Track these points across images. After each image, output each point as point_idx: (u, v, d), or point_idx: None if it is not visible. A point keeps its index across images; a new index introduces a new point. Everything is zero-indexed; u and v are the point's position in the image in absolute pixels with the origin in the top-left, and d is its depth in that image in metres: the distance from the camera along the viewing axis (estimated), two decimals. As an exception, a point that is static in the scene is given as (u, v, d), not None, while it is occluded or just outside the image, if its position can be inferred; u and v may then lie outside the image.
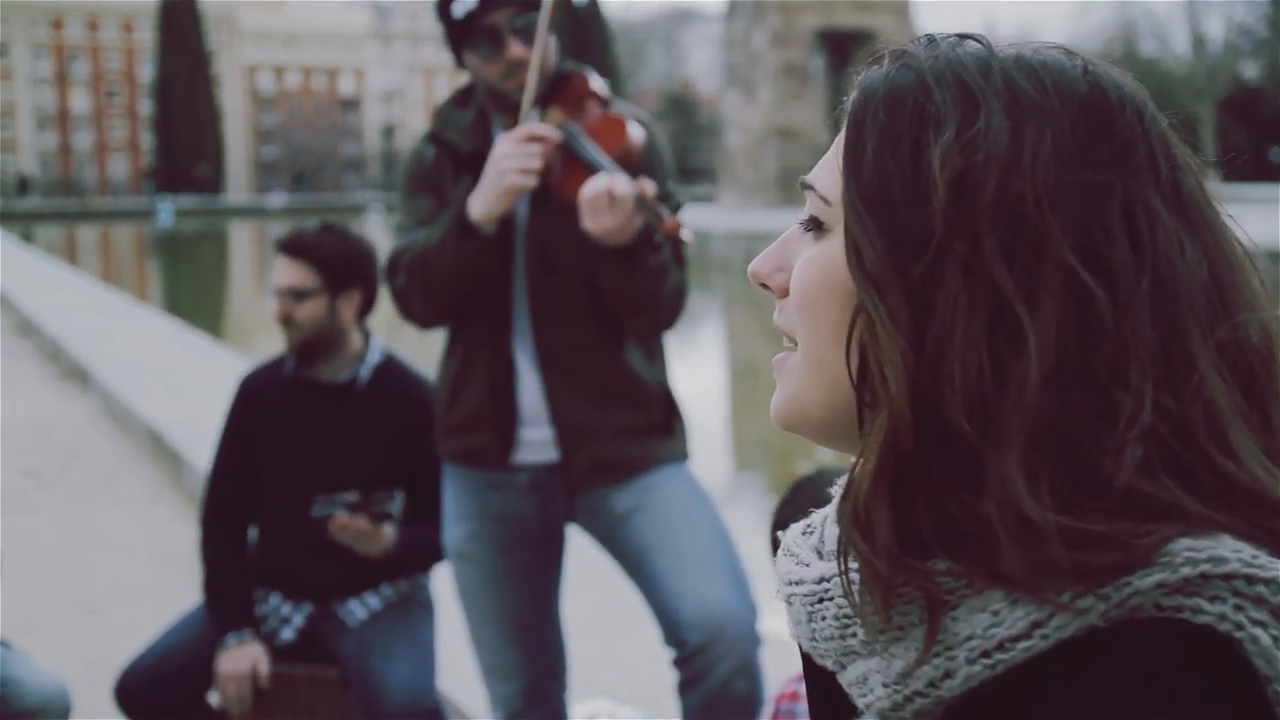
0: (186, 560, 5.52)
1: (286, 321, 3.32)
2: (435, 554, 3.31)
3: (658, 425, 2.85)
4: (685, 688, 2.73)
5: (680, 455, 2.90)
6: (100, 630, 5.12)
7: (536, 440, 2.82)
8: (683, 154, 72.77)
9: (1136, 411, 0.78)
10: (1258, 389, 0.82)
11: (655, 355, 2.89)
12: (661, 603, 2.76)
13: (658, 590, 2.76)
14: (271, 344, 3.41)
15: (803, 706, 2.36)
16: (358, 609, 3.37)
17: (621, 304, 2.73)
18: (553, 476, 2.84)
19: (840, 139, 0.89)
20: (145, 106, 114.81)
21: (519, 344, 2.81)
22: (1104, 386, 0.78)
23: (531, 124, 2.70)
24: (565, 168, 2.71)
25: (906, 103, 0.84)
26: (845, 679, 0.88)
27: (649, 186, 2.57)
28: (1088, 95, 0.83)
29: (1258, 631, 0.74)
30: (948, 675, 0.80)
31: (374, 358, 3.42)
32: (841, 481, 0.89)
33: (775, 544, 2.27)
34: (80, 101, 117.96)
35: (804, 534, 0.97)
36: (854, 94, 0.88)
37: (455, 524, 2.94)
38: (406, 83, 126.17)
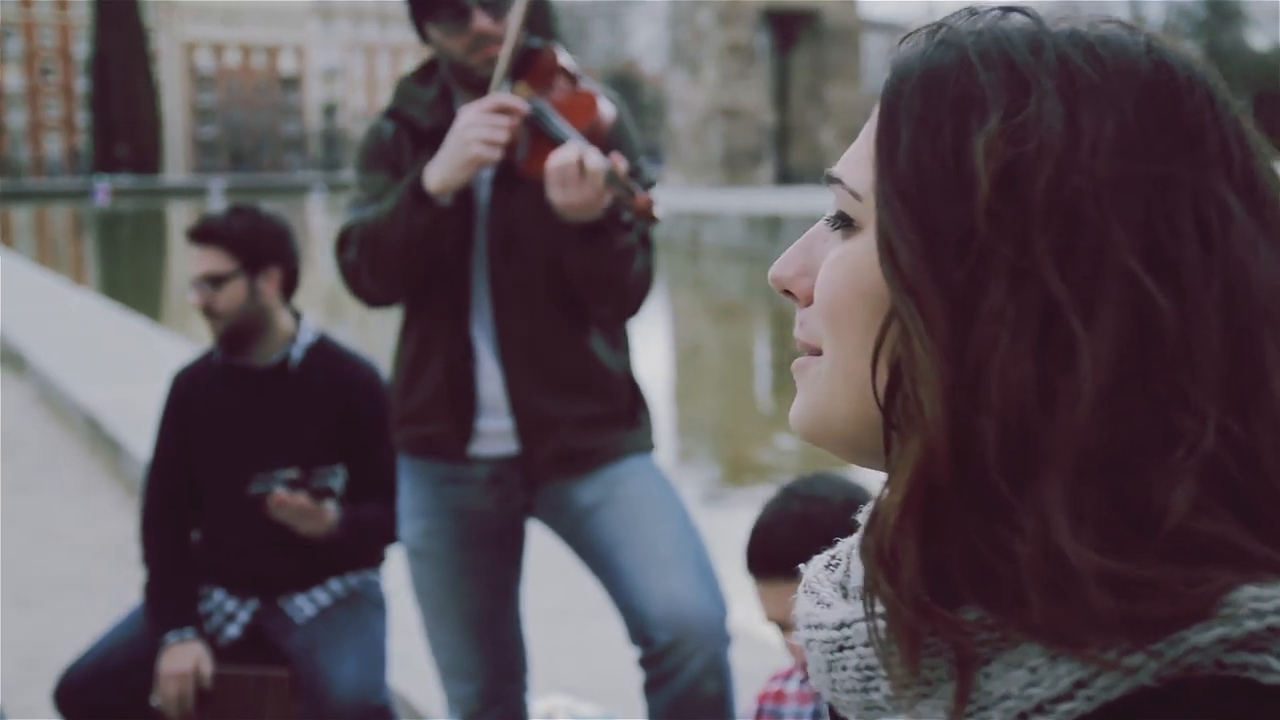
0: (125, 551, 5.41)
1: (208, 311, 3.26)
2: (383, 535, 3.24)
3: (622, 415, 2.77)
4: (652, 687, 2.64)
5: (645, 446, 2.82)
6: (36, 624, 5.01)
7: (496, 431, 2.72)
8: (626, 133, 72.30)
9: (1198, 436, 0.68)
10: None
11: (619, 343, 2.81)
12: (627, 600, 2.67)
13: (624, 587, 2.68)
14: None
15: (788, 708, 2.28)
16: (305, 605, 3.29)
17: (587, 287, 2.64)
18: (513, 469, 2.75)
19: (869, 126, 0.79)
20: (81, 84, 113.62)
21: (478, 329, 2.71)
22: (1163, 407, 0.69)
23: (499, 94, 2.60)
24: (532, 143, 2.62)
25: (946, 85, 0.74)
26: None
27: (620, 162, 2.49)
28: (1152, 76, 0.73)
29: None
30: None
31: (306, 338, 3.35)
32: (867, 510, 0.80)
33: (756, 562, 2.19)
34: (13, 79, 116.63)
35: (828, 567, 0.87)
36: (887, 76, 0.78)
37: (411, 519, 2.84)
38: (348, 61, 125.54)
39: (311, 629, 3.25)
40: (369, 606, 3.36)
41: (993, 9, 0.78)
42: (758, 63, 48.40)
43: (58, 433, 8.78)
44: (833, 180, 0.81)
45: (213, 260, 3.23)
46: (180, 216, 58.16)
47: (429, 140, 2.67)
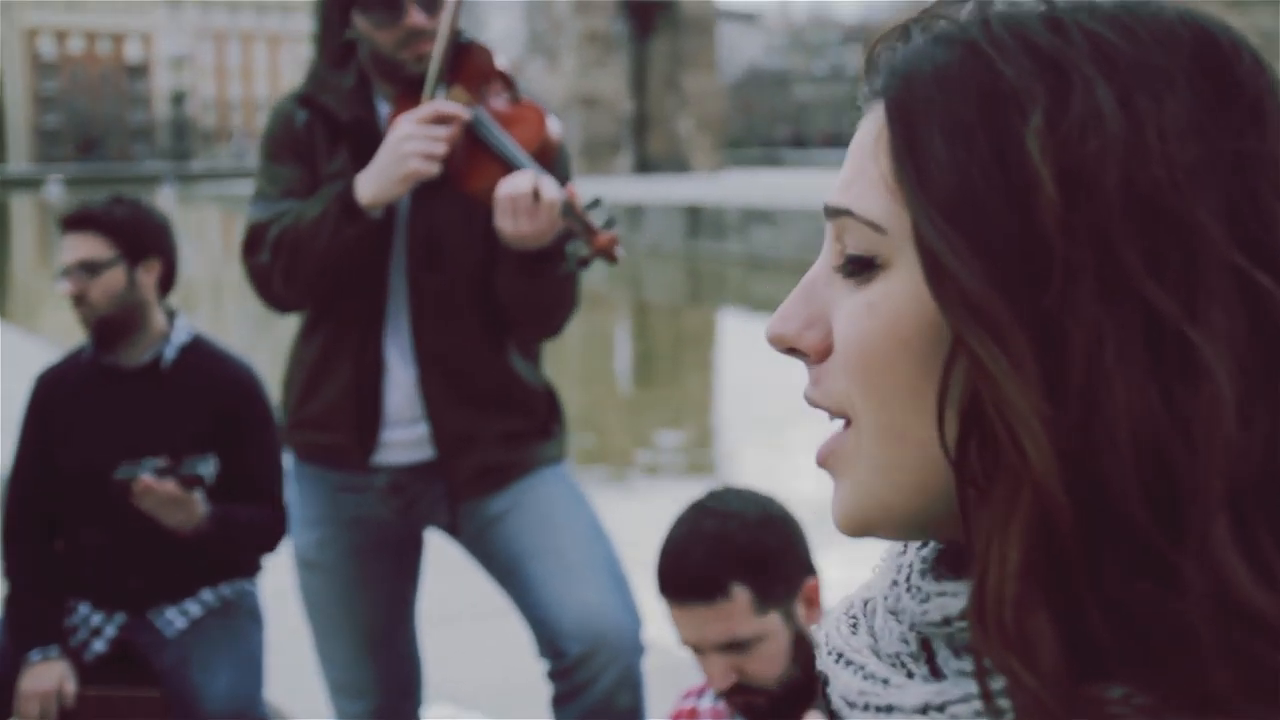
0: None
1: (81, 300, 3.09)
2: (258, 540, 3.12)
3: (540, 429, 2.69)
4: (562, 701, 2.57)
5: (558, 456, 2.75)
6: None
7: (403, 440, 2.63)
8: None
9: None
10: None
11: (533, 354, 2.73)
12: (538, 611, 2.60)
13: (534, 597, 2.60)
14: (61, 323, 3.16)
15: None
16: (176, 618, 3.15)
17: (520, 312, 2.57)
18: (416, 478, 2.65)
19: (863, 143, 0.69)
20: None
21: (392, 340, 2.60)
22: None
23: (438, 102, 2.46)
24: (470, 156, 2.48)
25: (966, 83, 0.65)
26: None
27: (577, 193, 2.37)
28: (1195, 44, 0.65)
29: None
30: None
31: (180, 338, 3.20)
32: (907, 557, 0.69)
33: (670, 586, 2.09)
34: None
35: (852, 629, 0.75)
36: (884, 82, 0.68)
37: (304, 529, 2.74)
38: (196, 48, 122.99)
39: (183, 643, 3.12)
40: (244, 617, 3.23)
41: None
42: (615, 51, 48.47)
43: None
44: (838, 213, 0.70)
45: (90, 246, 3.08)
46: (21, 208, 56.61)
47: (347, 134, 2.55)
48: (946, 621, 0.68)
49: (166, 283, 3.21)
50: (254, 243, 2.56)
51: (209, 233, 38.27)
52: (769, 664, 2.01)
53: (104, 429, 3.15)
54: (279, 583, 3.08)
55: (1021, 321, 0.61)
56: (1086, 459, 0.60)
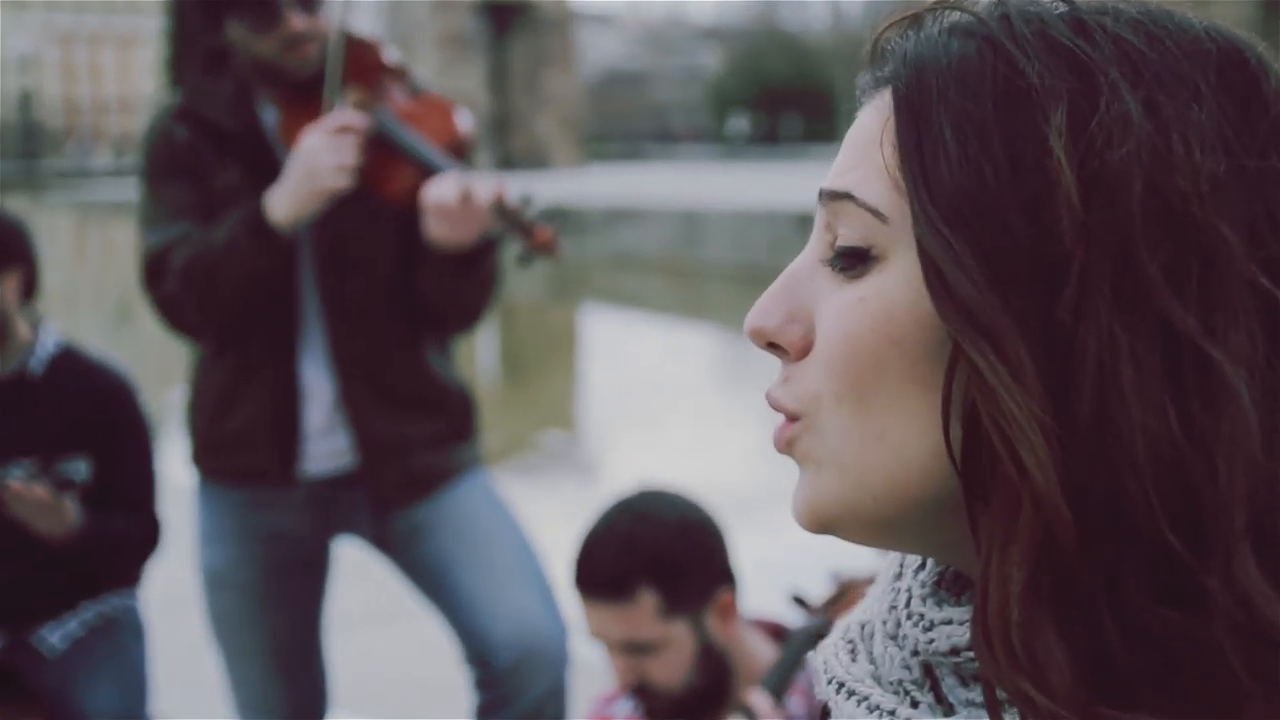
0: None
1: None
2: (134, 549, 3.03)
3: (457, 430, 2.65)
4: (489, 710, 2.54)
5: (477, 460, 2.71)
6: None
7: (324, 452, 2.57)
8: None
9: None
10: None
11: (447, 352, 2.68)
12: (468, 621, 2.56)
13: (463, 607, 2.56)
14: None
15: None
16: (56, 637, 3.05)
17: (444, 310, 2.52)
18: (335, 489, 2.59)
19: (866, 131, 0.67)
20: None
21: (307, 350, 2.54)
22: None
23: (344, 113, 2.39)
24: (380, 161, 2.41)
25: (985, 77, 0.63)
26: None
27: (507, 189, 2.32)
28: (1222, 57, 0.64)
29: None
30: None
31: (47, 348, 3.08)
32: (904, 581, 0.67)
33: (581, 579, 2.09)
34: None
35: (851, 656, 0.72)
36: (896, 70, 0.66)
37: (212, 546, 2.66)
38: (43, 49, 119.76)
39: (64, 662, 3.03)
40: (127, 632, 3.14)
41: None
42: (474, 52, 48.19)
43: None
44: (836, 197, 0.67)
45: None
46: None
47: (235, 144, 2.47)
48: (955, 652, 0.66)
49: (28, 291, 3.09)
50: (156, 272, 2.48)
51: (63, 236, 37.22)
52: (670, 670, 2.01)
53: None
54: (166, 594, 3.01)
55: (1025, 329, 0.59)
56: (1098, 477, 0.58)
